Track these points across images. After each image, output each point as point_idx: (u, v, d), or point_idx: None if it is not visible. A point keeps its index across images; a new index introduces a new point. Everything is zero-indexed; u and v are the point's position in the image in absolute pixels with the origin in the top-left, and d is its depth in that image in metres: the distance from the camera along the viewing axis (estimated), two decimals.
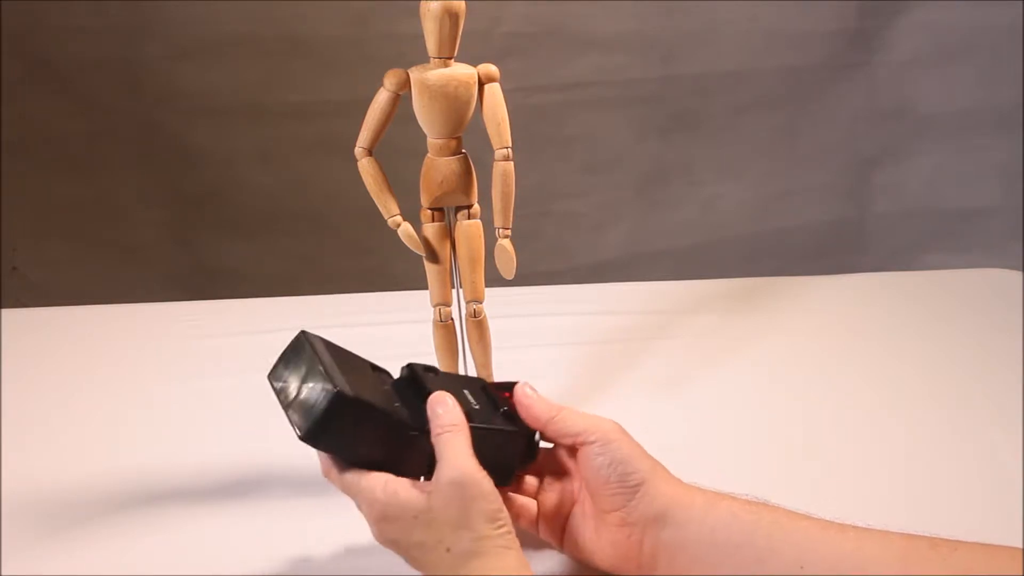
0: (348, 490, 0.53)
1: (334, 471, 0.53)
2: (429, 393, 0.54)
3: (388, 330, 0.91)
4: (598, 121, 1.60)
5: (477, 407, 0.56)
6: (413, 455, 0.53)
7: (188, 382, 0.84)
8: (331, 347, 0.55)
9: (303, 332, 0.55)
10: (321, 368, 0.51)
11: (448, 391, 0.55)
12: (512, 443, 0.57)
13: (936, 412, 0.78)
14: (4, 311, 0.96)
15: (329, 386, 0.50)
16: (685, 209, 1.70)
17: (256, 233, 1.59)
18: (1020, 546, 0.46)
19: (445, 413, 0.52)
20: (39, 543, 0.62)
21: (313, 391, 0.50)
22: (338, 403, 0.49)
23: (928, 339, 0.91)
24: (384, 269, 1.33)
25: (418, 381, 0.56)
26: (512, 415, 0.57)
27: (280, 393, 0.52)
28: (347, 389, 0.50)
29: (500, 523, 0.50)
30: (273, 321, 0.95)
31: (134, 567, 0.59)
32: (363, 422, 0.51)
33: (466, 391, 0.58)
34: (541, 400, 0.57)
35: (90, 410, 0.79)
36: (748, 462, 0.71)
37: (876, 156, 1.70)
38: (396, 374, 0.58)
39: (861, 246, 1.76)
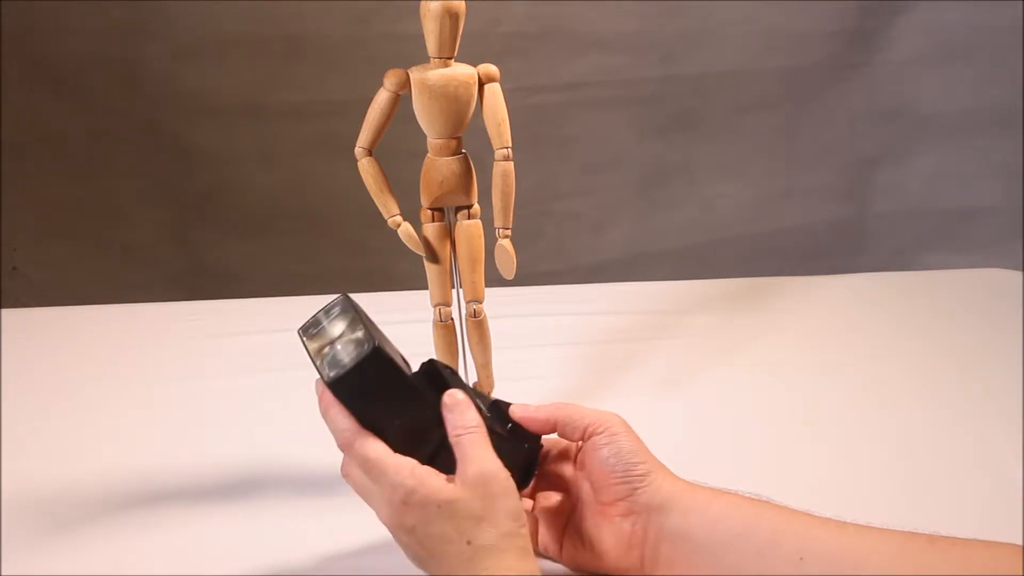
0: (369, 463, 0.50)
1: (359, 441, 0.51)
2: (446, 388, 0.54)
3: (388, 330, 0.90)
4: (598, 121, 1.60)
5: (489, 415, 0.57)
6: (421, 445, 0.52)
7: (188, 382, 0.84)
8: (369, 319, 0.55)
9: (347, 295, 0.55)
10: (363, 326, 0.52)
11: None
12: (519, 454, 0.57)
13: (936, 412, 0.78)
14: (4, 311, 0.96)
15: (372, 341, 0.50)
16: (685, 209, 1.70)
17: (256, 233, 1.59)
18: (1019, 544, 0.47)
19: (464, 414, 0.52)
20: (39, 543, 0.62)
21: (352, 342, 0.51)
22: (375, 359, 0.50)
23: (928, 339, 0.91)
24: (384, 269, 1.33)
25: (437, 376, 0.56)
26: (519, 430, 0.57)
27: (314, 338, 0.53)
28: (386, 350, 0.51)
29: (522, 523, 0.51)
30: (273, 321, 0.94)
31: (134, 567, 0.59)
32: (392, 389, 0.52)
33: (477, 400, 0.58)
34: (539, 407, 0.57)
35: (90, 410, 0.79)
36: (748, 462, 0.71)
37: (876, 156, 1.70)
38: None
39: (861, 246, 1.76)
